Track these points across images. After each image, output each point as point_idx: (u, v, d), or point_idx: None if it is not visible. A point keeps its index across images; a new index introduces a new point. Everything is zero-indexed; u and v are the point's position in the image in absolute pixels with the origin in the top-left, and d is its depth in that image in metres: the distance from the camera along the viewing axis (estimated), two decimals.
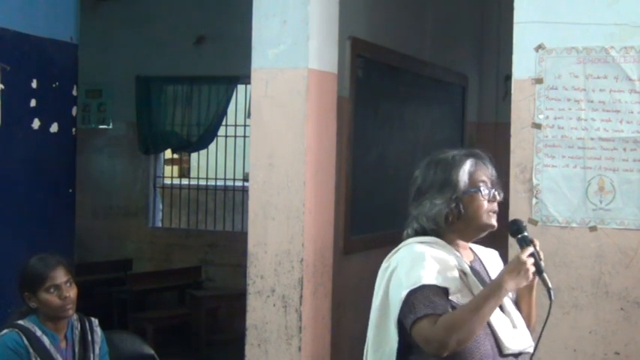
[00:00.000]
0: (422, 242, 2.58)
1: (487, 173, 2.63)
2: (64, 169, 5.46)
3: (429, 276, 2.47)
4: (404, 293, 2.45)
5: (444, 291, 2.49)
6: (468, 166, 2.61)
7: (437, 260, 2.52)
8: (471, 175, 2.60)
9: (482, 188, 2.60)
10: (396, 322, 2.50)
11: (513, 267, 2.47)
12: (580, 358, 4.10)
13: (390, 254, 2.65)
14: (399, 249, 2.63)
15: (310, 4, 4.66)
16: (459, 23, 8.38)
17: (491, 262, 2.76)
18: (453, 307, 2.48)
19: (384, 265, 2.64)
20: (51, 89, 5.27)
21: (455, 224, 2.60)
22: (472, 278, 2.58)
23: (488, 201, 2.60)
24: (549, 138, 4.16)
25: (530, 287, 2.66)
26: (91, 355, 3.48)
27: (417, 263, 2.49)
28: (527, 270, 2.47)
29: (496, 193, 2.62)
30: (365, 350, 2.68)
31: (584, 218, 4.11)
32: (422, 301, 2.44)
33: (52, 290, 3.37)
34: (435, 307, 2.43)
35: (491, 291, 2.46)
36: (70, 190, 5.52)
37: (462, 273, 2.57)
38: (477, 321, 2.43)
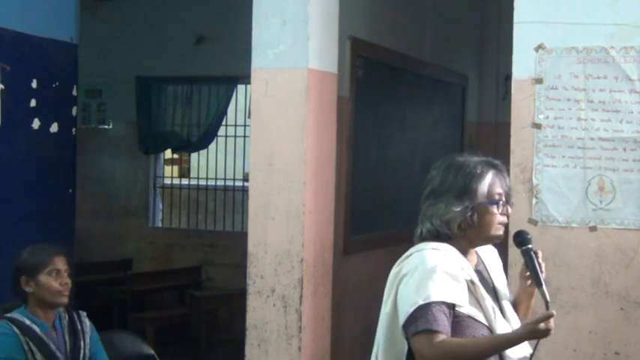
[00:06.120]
0: (434, 249, 2.61)
1: (504, 186, 2.70)
2: (64, 169, 5.46)
3: (439, 292, 2.51)
4: (411, 308, 2.50)
5: (452, 306, 2.53)
6: (489, 178, 2.66)
7: (448, 274, 2.55)
8: (490, 187, 2.66)
9: (498, 201, 2.66)
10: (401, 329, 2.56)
11: (537, 331, 2.49)
12: (580, 358, 4.10)
13: (401, 258, 2.67)
14: (411, 254, 2.65)
15: (310, 4, 4.66)
16: (459, 23, 8.38)
17: (492, 260, 2.82)
18: (457, 317, 2.53)
19: (394, 269, 2.66)
20: (51, 89, 5.27)
21: (466, 231, 2.65)
22: (480, 289, 2.63)
23: (501, 213, 2.67)
24: (549, 138, 4.16)
25: (530, 294, 2.77)
26: (82, 343, 3.51)
27: (428, 276, 2.53)
28: (547, 334, 2.51)
29: (508, 206, 2.70)
30: (375, 350, 2.72)
31: (584, 218, 4.11)
32: (425, 316, 2.48)
33: (53, 274, 3.43)
34: (437, 324, 2.48)
35: (507, 341, 2.52)
36: (70, 190, 5.51)
37: (471, 283, 2.62)
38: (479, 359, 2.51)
